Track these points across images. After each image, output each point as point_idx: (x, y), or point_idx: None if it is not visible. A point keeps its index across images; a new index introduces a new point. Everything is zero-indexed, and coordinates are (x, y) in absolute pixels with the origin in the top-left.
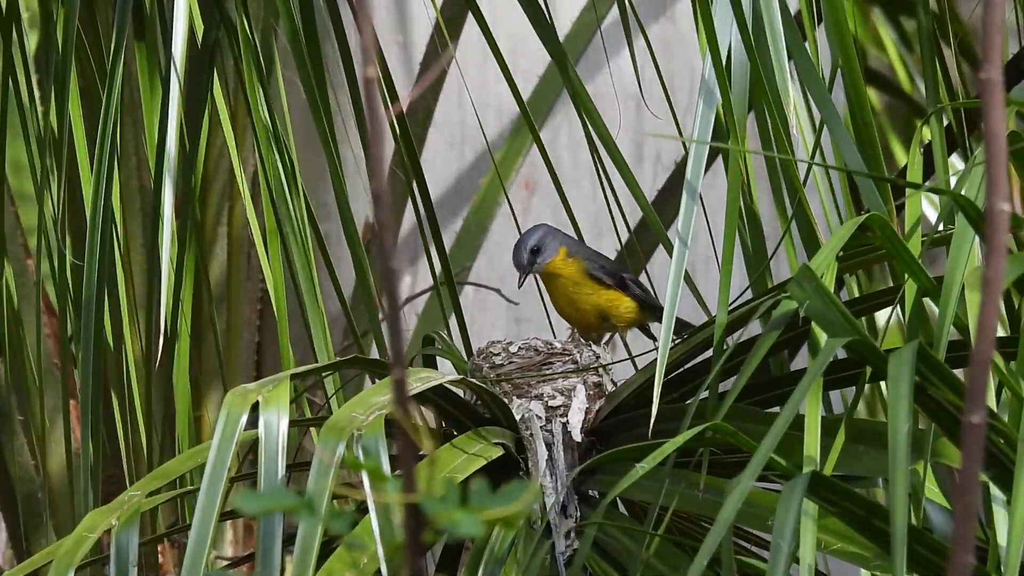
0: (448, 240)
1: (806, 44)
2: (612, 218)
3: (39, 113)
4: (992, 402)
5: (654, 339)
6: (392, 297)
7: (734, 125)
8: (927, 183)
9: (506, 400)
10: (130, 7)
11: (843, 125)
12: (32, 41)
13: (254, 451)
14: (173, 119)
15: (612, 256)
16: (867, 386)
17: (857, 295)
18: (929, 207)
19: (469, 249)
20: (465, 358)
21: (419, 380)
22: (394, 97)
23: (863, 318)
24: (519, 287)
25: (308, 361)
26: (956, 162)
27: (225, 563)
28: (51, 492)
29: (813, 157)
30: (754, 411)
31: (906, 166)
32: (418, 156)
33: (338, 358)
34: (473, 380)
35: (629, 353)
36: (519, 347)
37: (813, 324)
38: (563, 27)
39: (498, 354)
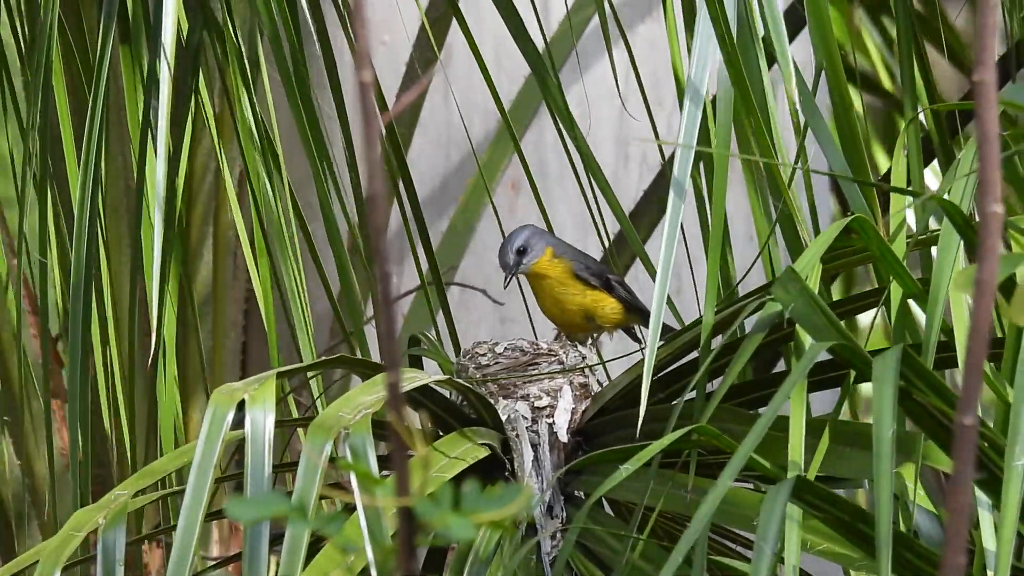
0: (434, 240)
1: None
2: (595, 222)
3: (24, 113)
4: (978, 406)
5: (639, 341)
6: (387, 301)
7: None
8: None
9: (492, 401)
10: (115, 8)
11: (827, 128)
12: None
13: (240, 451)
14: (163, 120)
15: (598, 257)
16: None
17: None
18: (910, 210)
19: (455, 249)
20: (452, 358)
21: (405, 380)
22: (381, 99)
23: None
24: (504, 287)
25: (293, 362)
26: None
27: (211, 563)
28: (36, 492)
29: (797, 160)
30: (740, 412)
31: (890, 169)
32: (404, 156)
33: (324, 357)
34: (459, 380)
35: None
36: (505, 347)
37: (797, 326)
38: (551, 27)
39: (484, 354)
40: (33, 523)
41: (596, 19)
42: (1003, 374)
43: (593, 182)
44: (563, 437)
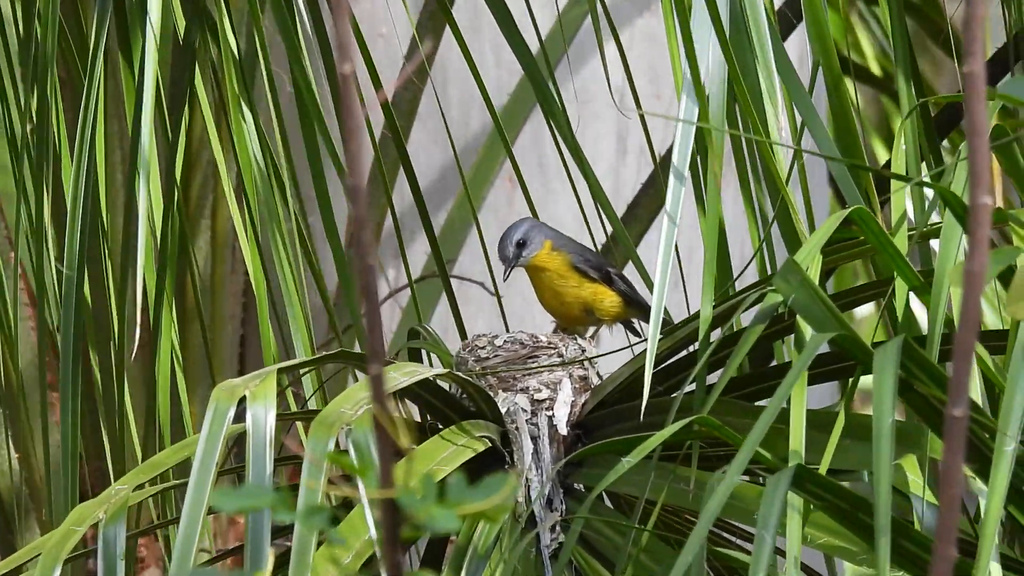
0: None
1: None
2: (588, 224)
3: (21, 106)
4: (977, 396)
5: (638, 335)
6: (370, 294)
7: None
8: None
9: (491, 393)
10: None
11: (821, 121)
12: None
13: (238, 445)
14: (147, 111)
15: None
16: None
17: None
18: (909, 203)
19: (453, 243)
20: (452, 351)
21: (405, 374)
22: (379, 90)
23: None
24: (504, 280)
25: (291, 355)
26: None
27: (208, 557)
28: (34, 485)
29: (793, 161)
30: (741, 404)
31: (889, 161)
32: (405, 149)
33: (322, 352)
34: (458, 374)
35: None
36: (505, 340)
37: (798, 318)
38: (550, 18)
39: (484, 347)
40: (31, 516)
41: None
42: (1005, 364)
43: (591, 174)
44: (563, 430)
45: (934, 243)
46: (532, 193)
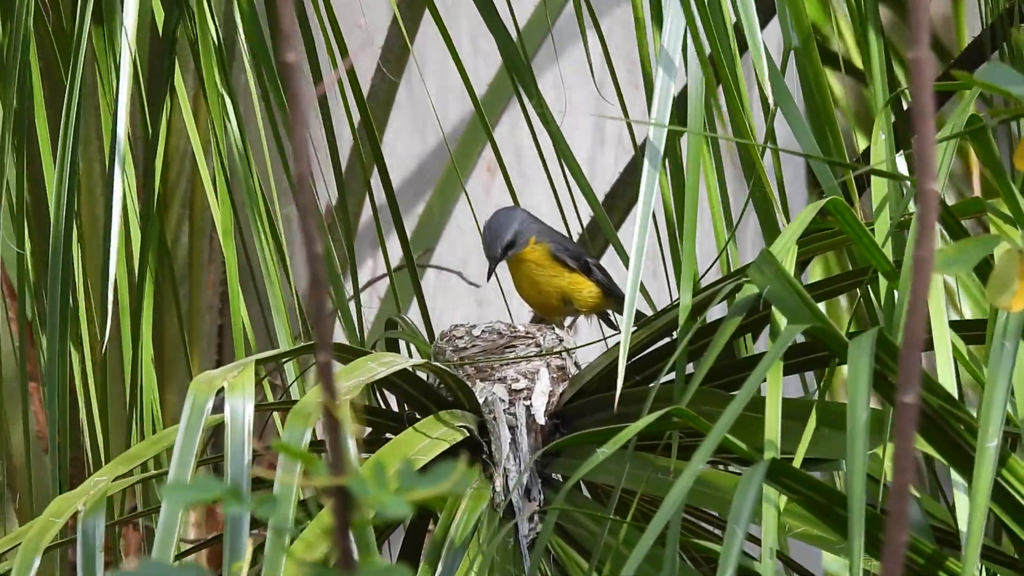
0: (411, 223)
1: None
2: (563, 211)
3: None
4: (952, 388)
5: (613, 327)
6: (317, 281)
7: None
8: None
9: (469, 383)
10: None
11: (797, 109)
12: None
13: (215, 434)
14: (123, 100)
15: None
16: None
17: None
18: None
19: (431, 232)
20: (428, 341)
21: (382, 364)
22: (355, 82)
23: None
24: (488, 280)
25: (267, 345)
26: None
27: (188, 546)
28: (12, 474)
29: (767, 140)
30: (718, 394)
31: (867, 150)
32: (379, 139)
33: (301, 342)
34: (436, 363)
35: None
36: (482, 330)
37: (773, 308)
38: (527, 9)
39: (461, 337)
40: (9, 506)
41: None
42: (983, 356)
43: (566, 170)
44: (540, 419)
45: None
46: (510, 181)
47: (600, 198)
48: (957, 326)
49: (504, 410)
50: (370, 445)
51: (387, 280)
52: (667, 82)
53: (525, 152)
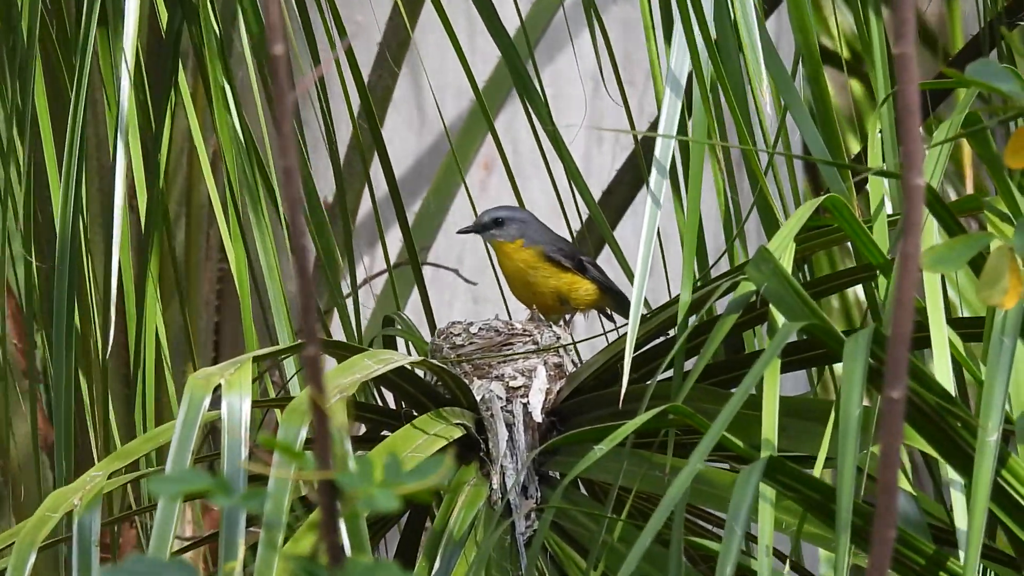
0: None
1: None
2: (564, 209)
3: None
4: (950, 386)
5: (613, 321)
6: (304, 273)
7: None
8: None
9: (467, 381)
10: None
11: (805, 110)
12: None
13: (212, 430)
14: (125, 95)
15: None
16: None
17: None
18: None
19: (428, 229)
20: (427, 338)
21: (379, 362)
22: (358, 78)
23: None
24: (457, 232)
25: (267, 341)
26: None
27: (184, 543)
28: (8, 473)
29: (777, 140)
30: (715, 391)
31: (864, 148)
32: (381, 136)
33: (299, 339)
34: (433, 361)
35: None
36: (480, 328)
37: (771, 306)
38: (524, 7)
39: (459, 335)
40: (6, 503)
41: (568, 1)
42: (982, 355)
43: (565, 171)
44: (537, 417)
45: None
46: (506, 179)
47: (597, 196)
48: (955, 323)
49: (501, 408)
50: (368, 443)
51: (382, 277)
52: (675, 101)
53: (522, 150)
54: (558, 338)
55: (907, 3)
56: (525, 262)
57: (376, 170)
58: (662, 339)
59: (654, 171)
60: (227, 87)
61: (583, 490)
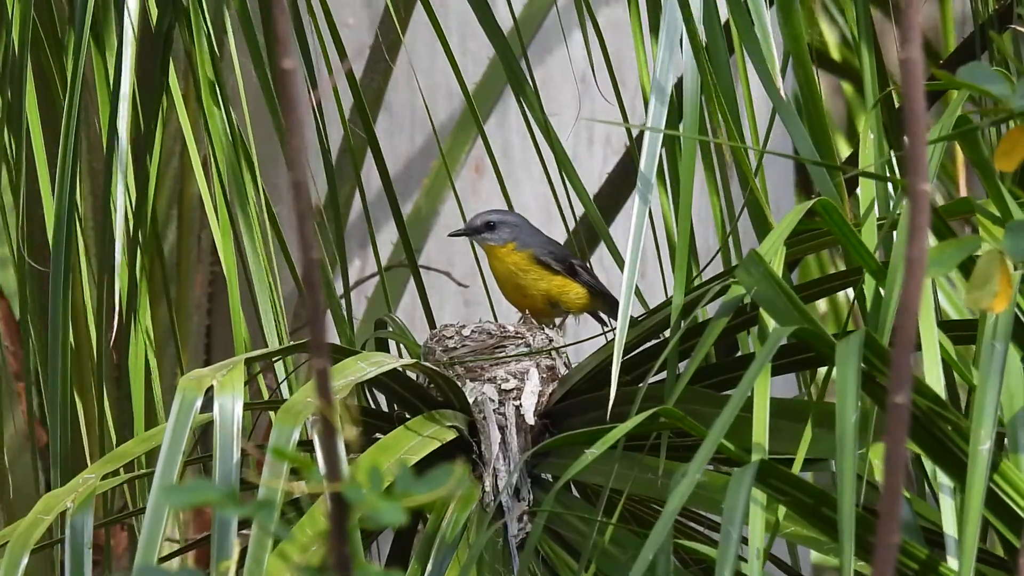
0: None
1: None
2: (560, 207)
3: None
4: (941, 390)
5: (604, 324)
6: (313, 287)
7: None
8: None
9: (459, 383)
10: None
11: (795, 113)
12: None
13: (204, 432)
14: (124, 101)
15: (562, 240)
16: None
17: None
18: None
19: (419, 232)
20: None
21: (372, 364)
22: (352, 82)
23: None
24: (448, 235)
25: (259, 343)
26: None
27: (176, 546)
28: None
29: (766, 141)
30: (706, 394)
31: (856, 151)
32: (376, 138)
33: (291, 341)
34: (426, 363)
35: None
36: (472, 330)
37: (761, 310)
38: (516, 8)
39: (451, 337)
40: None
41: (560, 2)
42: (974, 359)
43: (558, 166)
44: (530, 419)
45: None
46: (497, 182)
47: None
48: (946, 327)
49: (494, 410)
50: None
51: (374, 280)
52: (660, 110)
53: (514, 152)
54: (550, 341)
55: (913, 8)
56: (516, 265)
57: (366, 173)
58: (655, 341)
59: (642, 170)
60: (217, 89)
61: (575, 492)
